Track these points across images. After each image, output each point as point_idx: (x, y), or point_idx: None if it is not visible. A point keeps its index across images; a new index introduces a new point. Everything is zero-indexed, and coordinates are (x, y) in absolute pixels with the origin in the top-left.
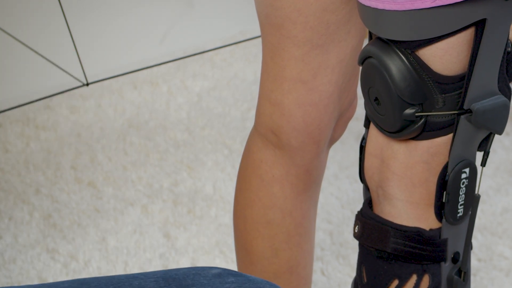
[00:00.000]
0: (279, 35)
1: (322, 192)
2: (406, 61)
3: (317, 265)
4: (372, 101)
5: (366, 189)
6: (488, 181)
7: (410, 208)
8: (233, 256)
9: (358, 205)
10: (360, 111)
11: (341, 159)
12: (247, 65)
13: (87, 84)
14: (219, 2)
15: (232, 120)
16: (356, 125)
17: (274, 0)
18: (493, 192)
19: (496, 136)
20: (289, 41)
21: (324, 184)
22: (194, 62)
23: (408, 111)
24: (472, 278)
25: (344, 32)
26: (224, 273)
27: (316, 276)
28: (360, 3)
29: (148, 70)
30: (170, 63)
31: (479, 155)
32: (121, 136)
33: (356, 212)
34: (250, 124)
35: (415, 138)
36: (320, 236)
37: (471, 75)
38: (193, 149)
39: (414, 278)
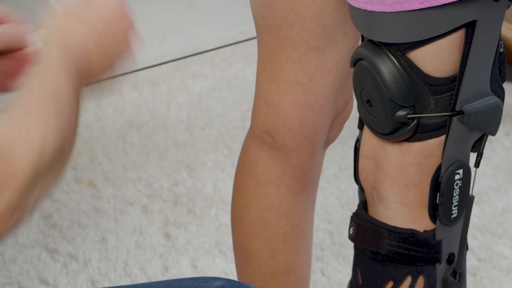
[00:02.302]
0: (276, 35)
1: (322, 192)
2: (397, 63)
3: (317, 265)
4: (364, 103)
5: (361, 190)
6: (488, 181)
7: (404, 209)
8: (233, 256)
9: None
10: None
11: (341, 159)
12: (247, 65)
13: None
14: (219, 2)
15: (232, 120)
16: (355, 125)
17: (271, 2)
18: (493, 192)
19: (496, 136)
20: (286, 42)
21: (324, 184)
22: (194, 62)
23: (400, 113)
24: (472, 278)
25: (341, 34)
26: (227, 285)
27: (316, 276)
28: (351, 5)
29: (148, 70)
30: (170, 63)
31: (473, 156)
32: (121, 136)
33: None
34: (249, 124)
35: (408, 140)
36: (320, 236)
37: (462, 76)
38: (193, 149)
39: (408, 280)
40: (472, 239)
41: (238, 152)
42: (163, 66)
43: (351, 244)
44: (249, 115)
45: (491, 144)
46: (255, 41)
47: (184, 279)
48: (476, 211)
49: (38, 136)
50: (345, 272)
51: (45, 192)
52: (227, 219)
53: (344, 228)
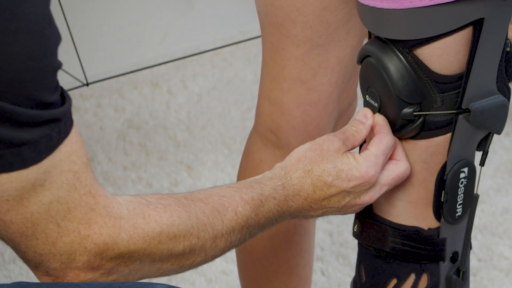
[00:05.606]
0: (279, 34)
1: None
2: (404, 60)
3: (317, 265)
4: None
5: None
6: (489, 182)
7: (408, 207)
8: (233, 256)
9: None
10: None
11: None
12: (247, 65)
13: (87, 84)
14: (219, 2)
15: (232, 120)
16: None
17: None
18: (493, 192)
19: (496, 136)
20: (289, 40)
21: None
22: (194, 62)
23: (406, 110)
24: (472, 278)
25: (344, 31)
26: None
27: (316, 276)
28: (359, 2)
29: (148, 70)
30: (170, 63)
31: (478, 155)
32: (121, 136)
33: None
34: (250, 124)
35: (414, 137)
36: (320, 236)
37: (469, 74)
38: (193, 149)
39: (412, 277)
40: (472, 239)
41: (238, 152)
42: (163, 66)
43: (351, 244)
44: (249, 115)
45: (492, 145)
46: (255, 41)
47: (127, 282)
48: (476, 211)
49: (168, 229)
50: (345, 272)
51: (139, 276)
52: None
53: (344, 228)
